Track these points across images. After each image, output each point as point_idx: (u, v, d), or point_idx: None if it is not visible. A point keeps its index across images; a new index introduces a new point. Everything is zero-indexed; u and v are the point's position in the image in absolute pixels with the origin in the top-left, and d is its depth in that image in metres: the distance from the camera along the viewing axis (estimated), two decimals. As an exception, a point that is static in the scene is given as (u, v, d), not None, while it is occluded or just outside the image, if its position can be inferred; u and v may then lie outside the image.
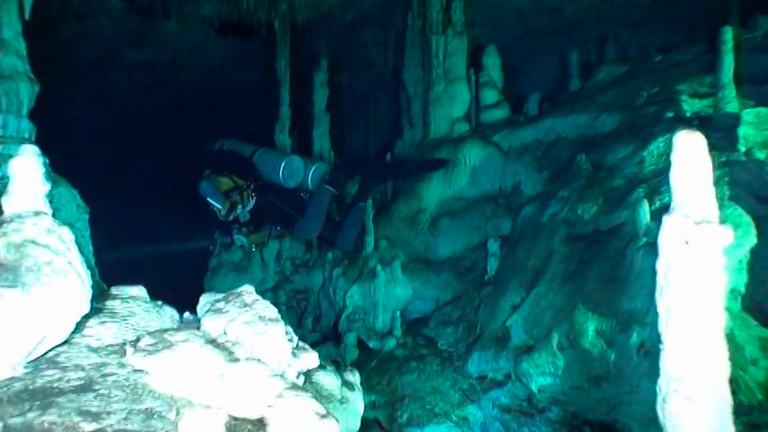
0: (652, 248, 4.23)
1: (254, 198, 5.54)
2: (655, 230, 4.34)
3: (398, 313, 5.93)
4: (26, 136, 3.77)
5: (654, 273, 4.04)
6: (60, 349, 2.00)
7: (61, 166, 4.08)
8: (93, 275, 3.64)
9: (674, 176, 1.76)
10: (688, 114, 5.05)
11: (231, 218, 5.49)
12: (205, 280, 7.72)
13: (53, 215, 2.56)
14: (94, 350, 2.10)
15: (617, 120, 5.59)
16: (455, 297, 5.99)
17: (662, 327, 1.73)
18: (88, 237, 3.88)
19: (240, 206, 5.49)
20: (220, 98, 13.11)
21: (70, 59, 10.71)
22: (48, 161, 3.82)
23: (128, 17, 9.20)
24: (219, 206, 5.39)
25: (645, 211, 4.29)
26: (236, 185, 5.45)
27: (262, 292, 7.32)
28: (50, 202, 3.80)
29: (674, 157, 1.78)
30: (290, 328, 2.60)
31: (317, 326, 6.94)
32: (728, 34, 4.58)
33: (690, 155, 1.73)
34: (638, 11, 8.57)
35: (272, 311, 2.62)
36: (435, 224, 6.57)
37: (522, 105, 7.27)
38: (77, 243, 3.61)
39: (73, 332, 2.08)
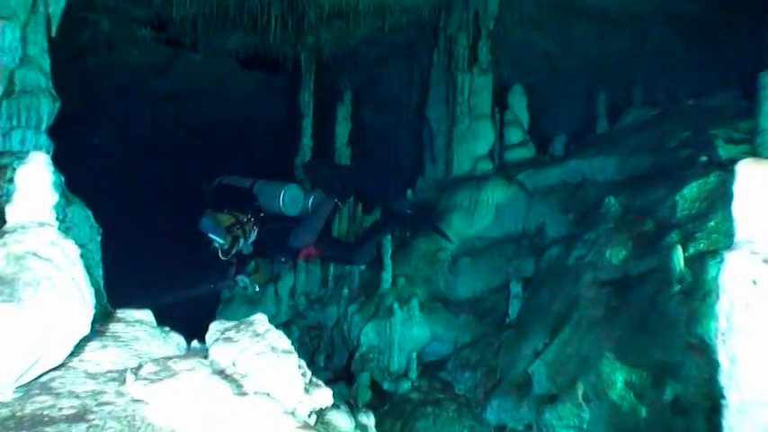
0: (686, 297, 4.03)
1: (257, 229, 5.46)
2: (689, 278, 4.15)
3: (414, 354, 5.70)
4: (44, 152, 3.70)
5: (689, 322, 3.82)
6: (55, 373, 1.84)
7: (78, 187, 4.01)
8: (100, 299, 3.50)
9: (738, 209, 1.58)
10: (723, 159, 4.88)
11: (234, 251, 5.39)
12: (217, 312, 7.55)
13: (60, 229, 2.42)
14: (92, 376, 1.93)
15: (647, 162, 5.43)
16: (474, 340, 5.75)
17: (724, 379, 1.53)
18: (99, 259, 3.76)
19: (242, 239, 5.41)
20: (243, 130, 13.19)
21: (97, 87, 10.86)
22: (63, 179, 3.75)
23: (156, 48, 9.32)
24: (221, 240, 5.28)
25: (678, 257, 4.09)
26: (237, 220, 5.37)
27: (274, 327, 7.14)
28: (63, 220, 3.70)
29: (736, 188, 1.60)
30: (303, 362, 2.43)
31: (330, 364, 6.71)
32: (767, 79, 4.44)
33: (756, 185, 1.56)
34: (668, 57, 8.52)
35: (285, 342, 2.45)
36: (456, 263, 6.39)
37: (547, 146, 7.15)
38: (86, 264, 3.46)
39: (70, 355, 1.93)
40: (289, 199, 5.36)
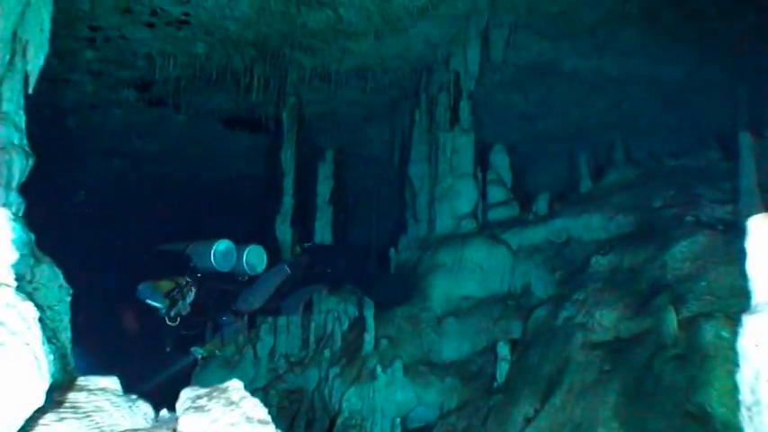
0: (683, 362, 3.90)
1: (194, 290, 5.45)
2: (683, 341, 4.03)
3: (399, 420, 5.45)
4: (13, 210, 3.54)
5: (688, 389, 3.66)
6: (3, 452, 1.64)
7: (50, 246, 3.83)
8: (65, 365, 3.27)
9: (754, 268, 1.47)
10: (710, 219, 4.87)
11: (173, 314, 5.36)
12: (193, 375, 7.23)
13: (27, 289, 2.25)
14: (46, 454, 1.74)
15: (633, 221, 5.41)
16: (461, 404, 5.52)
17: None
18: (67, 321, 3.54)
19: (181, 301, 5.38)
20: (226, 189, 13.11)
21: (78, 147, 10.77)
22: (34, 237, 3.57)
23: (139, 108, 9.30)
24: (159, 304, 5.28)
25: (672, 318, 3.98)
26: (176, 284, 5.39)
27: (252, 392, 6.84)
28: (30, 280, 3.50)
29: (749, 245, 1.50)
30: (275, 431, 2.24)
31: (310, 430, 6.38)
32: (746, 140, 4.48)
33: (773, 243, 1.46)
34: (646, 118, 8.70)
35: (262, 411, 2.25)
36: (441, 324, 6.21)
37: (530, 204, 7.13)
38: (53, 326, 3.24)
39: (21, 429, 1.73)
40: (220, 255, 5.37)
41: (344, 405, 5.79)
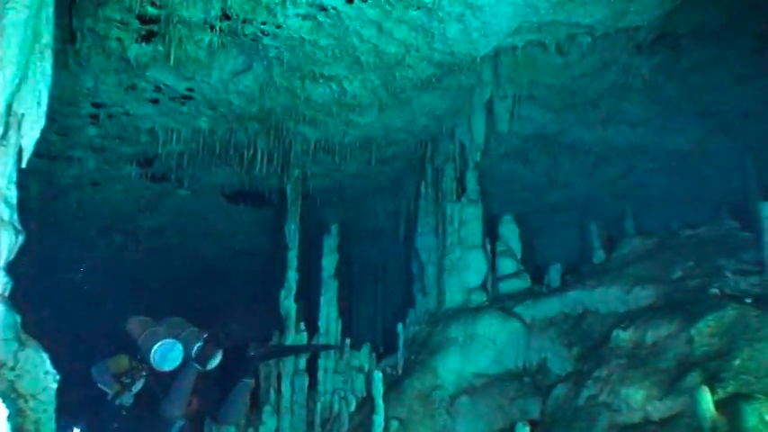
0: (724, 447, 3.58)
1: (143, 380, 5.07)
2: (722, 426, 3.71)
3: None
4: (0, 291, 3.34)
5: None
6: None
7: (38, 328, 3.61)
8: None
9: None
10: (731, 291, 4.64)
11: (118, 402, 5.03)
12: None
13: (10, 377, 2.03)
14: None
15: (652, 294, 5.17)
16: (479, 494, 5.11)
17: None
18: (52, 411, 3.27)
19: (128, 390, 5.03)
20: (229, 264, 12.92)
21: (79, 224, 10.67)
22: (19, 319, 3.35)
23: (141, 183, 9.25)
24: (106, 389, 4.96)
25: (707, 400, 3.68)
26: (131, 366, 5.02)
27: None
28: (13, 367, 3.25)
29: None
30: None
31: None
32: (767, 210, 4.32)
33: None
34: (654, 188, 8.60)
35: None
36: (453, 403, 5.86)
37: (541, 276, 6.91)
38: (36, 417, 2.96)
39: None
40: (159, 356, 4.99)
41: (354, 498, 5.37)
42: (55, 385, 3.29)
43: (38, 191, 8.61)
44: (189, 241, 12.14)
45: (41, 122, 3.20)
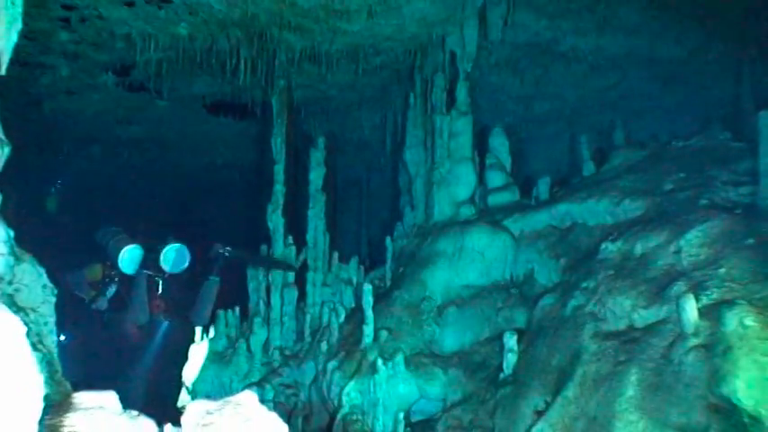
0: (704, 352, 3.74)
1: (115, 286, 5.59)
2: (704, 331, 3.87)
3: (402, 415, 5.25)
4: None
5: (711, 381, 3.50)
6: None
7: (29, 241, 3.55)
8: (53, 372, 2.99)
9: None
10: (722, 202, 4.70)
11: (94, 307, 5.47)
12: (184, 370, 6.98)
13: (7, 292, 1.99)
14: (39, 492, 1.49)
15: (642, 206, 5.22)
16: (465, 397, 5.35)
17: None
18: (53, 324, 3.27)
19: (102, 295, 5.53)
20: (212, 177, 12.77)
21: (55, 135, 10.36)
22: (13, 234, 3.28)
23: (118, 93, 8.92)
24: (83, 295, 5.53)
25: (691, 307, 3.81)
26: (104, 273, 5.54)
27: (246, 387, 6.63)
28: (11, 281, 3.21)
29: None
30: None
31: (308, 426, 6.18)
32: (766, 119, 4.29)
33: None
34: (646, 99, 8.51)
35: (282, 429, 2.03)
36: (441, 314, 6.03)
37: (529, 189, 6.94)
38: (37, 330, 2.95)
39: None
40: (124, 261, 5.37)
41: (344, 399, 5.58)
42: (53, 299, 3.27)
43: (9, 100, 8.29)
44: (169, 154, 11.92)
45: (18, 24, 2.99)
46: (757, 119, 4.20)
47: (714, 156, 5.50)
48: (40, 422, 1.64)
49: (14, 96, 8.41)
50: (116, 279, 5.53)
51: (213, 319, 7.29)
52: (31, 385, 1.51)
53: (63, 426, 1.80)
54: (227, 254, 5.73)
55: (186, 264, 5.48)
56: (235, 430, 1.90)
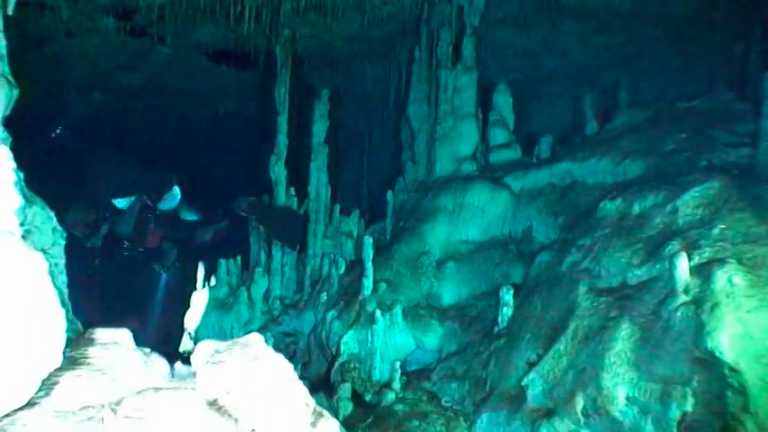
0: (693, 308, 3.86)
1: (107, 226, 6.04)
2: (694, 288, 3.99)
3: (398, 364, 5.42)
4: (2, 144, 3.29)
5: (697, 335, 3.63)
6: (20, 414, 1.50)
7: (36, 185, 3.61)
8: (66, 312, 3.11)
9: None
10: (724, 163, 4.75)
11: (89, 245, 5.94)
12: (186, 317, 7.15)
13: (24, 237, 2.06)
14: (62, 415, 1.60)
15: (642, 166, 5.28)
16: (460, 349, 5.51)
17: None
18: (63, 266, 3.38)
19: (97, 232, 5.95)
20: (213, 127, 12.73)
21: (55, 79, 10.27)
22: (23, 177, 3.34)
23: (119, 38, 8.81)
24: (79, 234, 5.81)
25: (683, 265, 3.90)
26: (97, 215, 5.87)
27: (247, 334, 6.80)
28: (22, 223, 3.29)
29: None
30: (305, 389, 2.13)
31: (306, 373, 6.38)
32: (770, 81, 4.30)
33: None
34: (649, 59, 8.43)
35: (287, 368, 2.14)
36: (440, 268, 6.14)
37: (532, 147, 6.96)
38: (50, 271, 3.05)
39: (38, 390, 1.60)
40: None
41: (343, 348, 5.76)
42: (63, 241, 3.36)
43: (9, 41, 8.21)
44: (170, 101, 11.85)
45: (27, -35, 2.97)
46: (763, 80, 4.20)
47: (717, 117, 5.51)
48: (63, 353, 1.75)
49: (13, 37, 8.32)
50: (107, 215, 5.90)
51: (215, 269, 7.48)
52: (56, 317, 1.60)
53: (81, 356, 1.91)
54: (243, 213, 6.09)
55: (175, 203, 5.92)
56: (243, 368, 2.01)
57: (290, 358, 6.72)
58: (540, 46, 8.52)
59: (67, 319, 3.04)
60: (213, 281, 7.47)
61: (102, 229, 5.95)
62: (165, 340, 8.19)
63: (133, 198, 5.97)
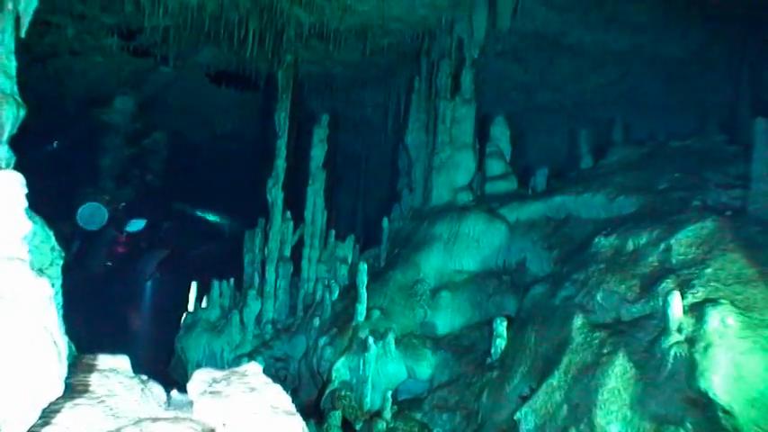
0: (686, 348, 3.88)
1: (78, 240, 6.23)
2: (687, 327, 4.01)
3: (389, 393, 5.39)
4: (2, 165, 3.30)
5: (690, 376, 3.64)
6: (17, 444, 1.49)
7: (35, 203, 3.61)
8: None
9: None
10: (713, 204, 4.81)
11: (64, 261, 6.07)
12: (177, 338, 7.10)
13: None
14: (61, 445, 1.60)
15: (636, 203, 5.34)
16: (452, 379, 5.49)
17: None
18: (59, 286, 3.35)
19: (68, 249, 6.07)
20: (212, 147, 12.77)
21: (57, 95, 10.30)
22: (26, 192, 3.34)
23: (123, 57, 8.90)
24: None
25: (676, 304, 3.93)
26: (73, 230, 6.16)
27: (237, 358, 6.75)
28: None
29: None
30: (303, 423, 2.12)
31: (296, 399, 6.31)
32: (763, 125, 4.38)
33: None
34: (643, 97, 8.59)
35: (286, 400, 2.14)
36: (434, 297, 6.14)
37: (527, 178, 7.03)
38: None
39: (39, 419, 1.58)
40: (83, 218, 6.08)
41: (334, 375, 5.72)
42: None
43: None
44: (170, 120, 11.89)
45: (39, -13, 3.02)
46: (753, 124, 4.29)
47: (709, 157, 5.60)
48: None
49: (18, 54, 8.37)
50: (78, 233, 6.11)
51: (207, 288, 7.49)
52: (59, 346, 1.60)
53: (79, 383, 1.90)
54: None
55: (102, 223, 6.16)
56: (241, 399, 2.00)
57: (281, 383, 6.68)
58: (538, 79, 8.66)
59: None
60: (205, 302, 7.45)
61: (74, 246, 6.31)
62: (149, 342, 8.30)
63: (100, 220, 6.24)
